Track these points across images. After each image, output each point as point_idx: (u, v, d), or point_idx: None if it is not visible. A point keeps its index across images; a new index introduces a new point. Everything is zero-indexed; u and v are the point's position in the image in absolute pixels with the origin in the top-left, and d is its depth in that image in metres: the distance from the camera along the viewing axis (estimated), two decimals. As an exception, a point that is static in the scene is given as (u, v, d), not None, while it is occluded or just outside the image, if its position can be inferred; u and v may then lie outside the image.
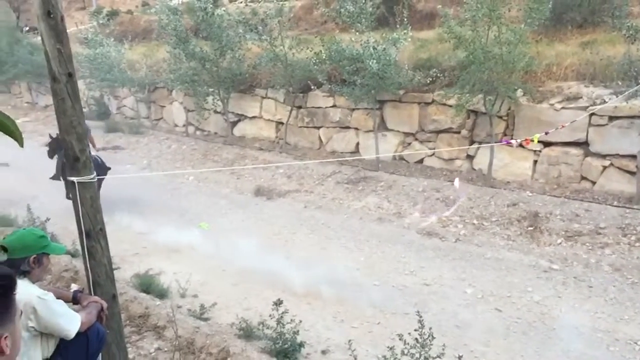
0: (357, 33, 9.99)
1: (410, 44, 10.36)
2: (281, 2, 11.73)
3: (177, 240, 7.63)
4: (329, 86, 10.69)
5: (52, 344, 2.93)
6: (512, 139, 8.79)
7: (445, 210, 8.56)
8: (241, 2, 17.61)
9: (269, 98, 12.80)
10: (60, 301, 2.96)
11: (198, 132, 14.63)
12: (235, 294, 6.26)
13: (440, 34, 9.65)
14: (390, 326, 5.47)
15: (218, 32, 12.08)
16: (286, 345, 4.61)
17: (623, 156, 8.21)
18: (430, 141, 10.36)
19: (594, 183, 8.51)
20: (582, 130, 8.46)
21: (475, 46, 8.48)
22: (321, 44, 10.52)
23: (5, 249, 2.92)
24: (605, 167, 8.39)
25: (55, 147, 9.41)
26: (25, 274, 2.91)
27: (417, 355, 3.89)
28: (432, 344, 3.90)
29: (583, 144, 8.60)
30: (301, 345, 4.76)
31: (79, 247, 3.79)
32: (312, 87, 11.30)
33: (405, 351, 3.91)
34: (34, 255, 2.95)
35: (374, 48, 9.55)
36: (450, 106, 9.54)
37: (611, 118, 8.21)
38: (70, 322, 2.90)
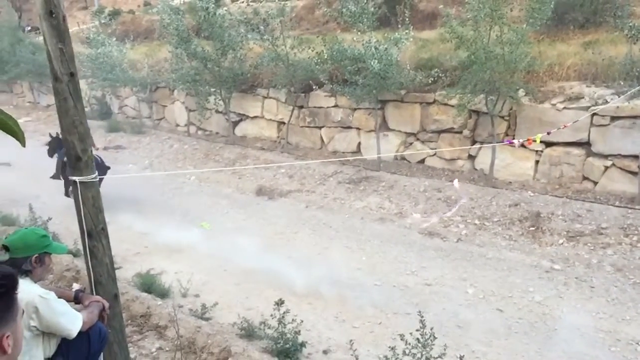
0: (359, 33, 9.98)
1: (412, 44, 10.35)
2: (283, 2, 11.73)
3: (179, 240, 7.64)
4: (331, 86, 10.68)
5: (53, 344, 2.93)
6: (514, 139, 8.78)
7: (447, 210, 8.56)
8: (243, 2, 17.62)
9: (270, 98, 12.80)
10: (62, 300, 2.96)
11: (200, 132, 14.63)
12: (237, 293, 6.26)
13: (442, 34, 9.64)
14: (391, 326, 5.47)
15: (220, 31, 12.08)
16: (287, 345, 4.62)
17: (625, 156, 8.19)
18: (431, 141, 10.35)
19: (595, 183, 8.50)
20: (584, 130, 8.45)
21: (477, 46, 8.47)
22: (323, 44, 10.51)
23: (7, 249, 2.93)
24: (607, 168, 8.37)
25: (55, 146, 9.45)
26: (27, 273, 2.92)
27: (419, 355, 3.89)
28: (433, 344, 3.90)
29: (585, 144, 8.59)
30: (302, 345, 4.77)
31: (80, 247, 3.81)
32: (314, 87, 11.30)
33: (407, 351, 3.92)
34: (36, 255, 2.95)
35: (376, 48, 9.54)
36: (452, 106, 9.54)
37: (613, 118, 8.19)
38: (72, 321, 2.90)
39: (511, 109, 9.26)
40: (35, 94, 20.57)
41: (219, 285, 6.47)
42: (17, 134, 1.32)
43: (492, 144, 8.86)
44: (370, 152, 10.82)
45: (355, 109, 11.18)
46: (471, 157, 9.89)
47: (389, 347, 4.02)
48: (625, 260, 6.71)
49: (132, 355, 4.28)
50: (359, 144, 11.38)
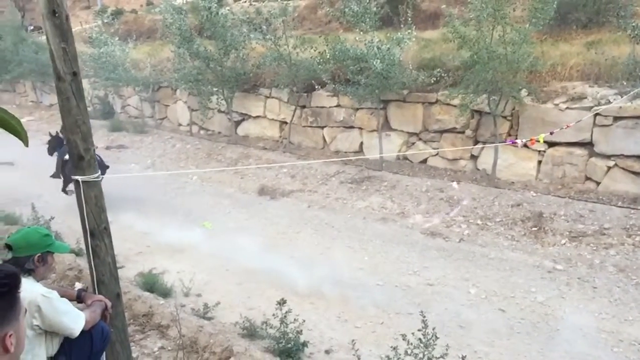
0: (362, 33, 9.97)
1: (414, 43, 10.34)
2: (285, 2, 11.73)
3: (181, 240, 7.65)
4: (333, 86, 10.68)
5: (56, 343, 2.94)
6: (517, 138, 8.77)
7: (449, 210, 8.55)
8: (245, 2, 17.62)
9: (273, 97, 12.80)
10: (65, 300, 2.97)
11: (202, 132, 14.65)
12: (239, 293, 6.27)
13: (445, 34, 9.62)
14: (393, 326, 5.47)
15: (222, 31, 12.09)
16: (289, 345, 4.62)
17: (628, 156, 8.17)
18: (434, 141, 10.34)
19: (598, 183, 8.48)
20: (586, 130, 8.44)
21: (480, 46, 8.46)
22: (325, 44, 10.50)
23: (10, 248, 2.94)
24: (609, 168, 8.36)
25: (54, 144, 9.49)
26: (29, 272, 2.93)
27: (421, 355, 3.89)
28: (435, 344, 3.90)
29: (587, 144, 8.57)
30: (304, 344, 4.77)
31: (83, 246, 3.80)
32: (316, 87, 11.30)
33: (409, 351, 3.91)
34: (39, 254, 2.96)
35: (378, 48, 9.53)
36: (455, 106, 9.53)
37: (616, 118, 8.17)
38: (74, 320, 2.90)
39: (514, 109, 9.25)
40: (38, 93, 20.61)
41: (221, 284, 6.47)
42: (20, 133, 1.32)
43: (494, 144, 8.85)
44: (372, 152, 10.82)
45: (357, 109, 11.18)
46: (473, 157, 9.88)
47: (391, 347, 4.02)
48: (627, 261, 6.69)
49: (134, 355, 4.28)
50: (361, 143, 11.37)
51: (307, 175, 10.62)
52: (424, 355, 3.88)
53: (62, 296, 2.99)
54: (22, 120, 1.41)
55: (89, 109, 3.49)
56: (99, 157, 8.59)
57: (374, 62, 9.33)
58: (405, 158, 10.71)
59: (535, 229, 7.67)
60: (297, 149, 12.25)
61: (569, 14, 10.40)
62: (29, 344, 2.68)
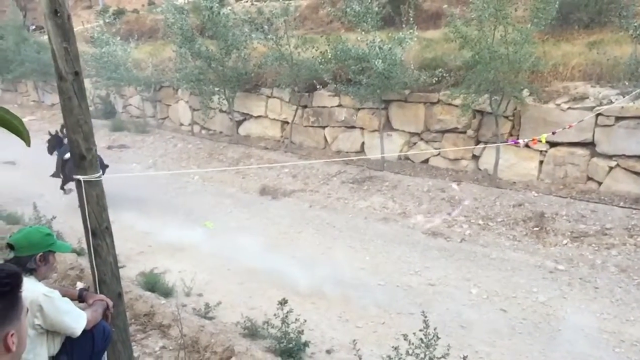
0: (363, 32, 9.96)
1: (416, 43, 10.33)
2: (287, 2, 11.73)
3: (182, 239, 7.65)
4: (335, 86, 10.67)
5: (58, 342, 2.94)
6: (518, 138, 8.76)
7: (451, 210, 8.54)
8: (247, 2, 17.62)
9: (274, 97, 12.80)
10: (66, 299, 2.97)
11: (203, 131, 14.65)
12: (240, 293, 6.27)
13: (446, 34, 9.61)
14: (395, 326, 5.47)
15: (224, 31, 12.08)
16: (291, 345, 4.62)
17: (629, 157, 8.16)
18: (435, 141, 10.33)
19: (600, 184, 8.47)
20: (588, 130, 8.42)
21: (481, 46, 8.45)
22: (327, 44, 10.50)
23: (12, 247, 2.94)
24: (611, 168, 8.34)
25: (54, 143, 9.51)
26: (31, 271, 2.93)
27: (422, 355, 3.89)
28: (436, 344, 3.90)
29: (589, 145, 8.56)
30: (306, 344, 4.77)
31: (84, 245, 3.81)
32: (318, 87, 11.30)
33: (410, 351, 3.91)
34: (40, 253, 2.96)
35: (380, 48, 9.53)
36: (456, 106, 9.52)
37: (618, 118, 8.16)
38: (76, 320, 2.90)
39: (515, 109, 9.23)
40: (39, 92, 20.63)
41: (223, 284, 6.48)
42: (21, 133, 1.32)
43: (496, 144, 8.84)
44: (374, 152, 10.81)
45: (359, 109, 11.17)
46: (475, 157, 9.87)
47: (393, 347, 4.02)
48: (629, 261, 6.68)
49: (135, 354, 4.29)
50: (363, 143, 11.37)
51: (309, 175, 10.62)
52: (425, 356, 3.88)
53: (63, 296, 2.99)
54: (24, 120, 1.41)
55: (90, 108, 3.49)
56: (99, 156, 8.63)
57: (376, 62, 9.33)
58: (407, 158, 10.71)
59: (537, 229, 7.66)
60: (299, 149, 12.24)
61: (571, 14, 10.38)
62: (31, 344, 2.68)
